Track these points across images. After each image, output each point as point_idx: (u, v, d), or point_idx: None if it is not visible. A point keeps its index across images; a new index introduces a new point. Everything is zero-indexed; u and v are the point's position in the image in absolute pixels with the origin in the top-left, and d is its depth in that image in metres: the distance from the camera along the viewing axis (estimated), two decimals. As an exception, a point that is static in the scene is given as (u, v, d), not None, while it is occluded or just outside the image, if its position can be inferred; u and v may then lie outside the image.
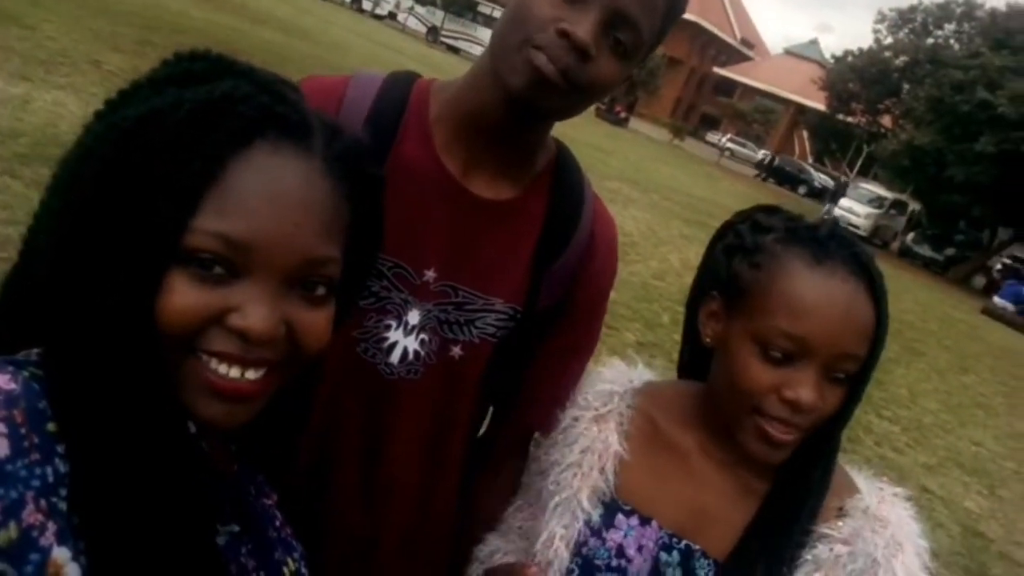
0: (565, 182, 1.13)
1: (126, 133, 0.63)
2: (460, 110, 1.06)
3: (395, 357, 1.08)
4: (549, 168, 1.13)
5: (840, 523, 0.99)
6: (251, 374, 0.66)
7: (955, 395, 8.58)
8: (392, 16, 41.20)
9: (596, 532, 1.06)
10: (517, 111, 0.99)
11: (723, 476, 1.06)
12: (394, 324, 1.07)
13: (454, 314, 1.08)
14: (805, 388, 0.94)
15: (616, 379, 1.17)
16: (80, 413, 0.60)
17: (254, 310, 0.64)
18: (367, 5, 41.48)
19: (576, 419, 1.13)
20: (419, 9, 40.63)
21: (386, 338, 1.07)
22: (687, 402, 1.12)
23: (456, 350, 1.09)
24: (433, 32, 39.61)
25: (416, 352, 1.08)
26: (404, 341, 1.07)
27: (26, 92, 6.02)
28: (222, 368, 0.65)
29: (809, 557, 0.98)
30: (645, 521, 1.05)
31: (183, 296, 0.62)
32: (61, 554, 0.56)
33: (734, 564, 1.00)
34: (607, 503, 1.07)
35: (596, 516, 1.06)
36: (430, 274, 1.06)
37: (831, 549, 0.97)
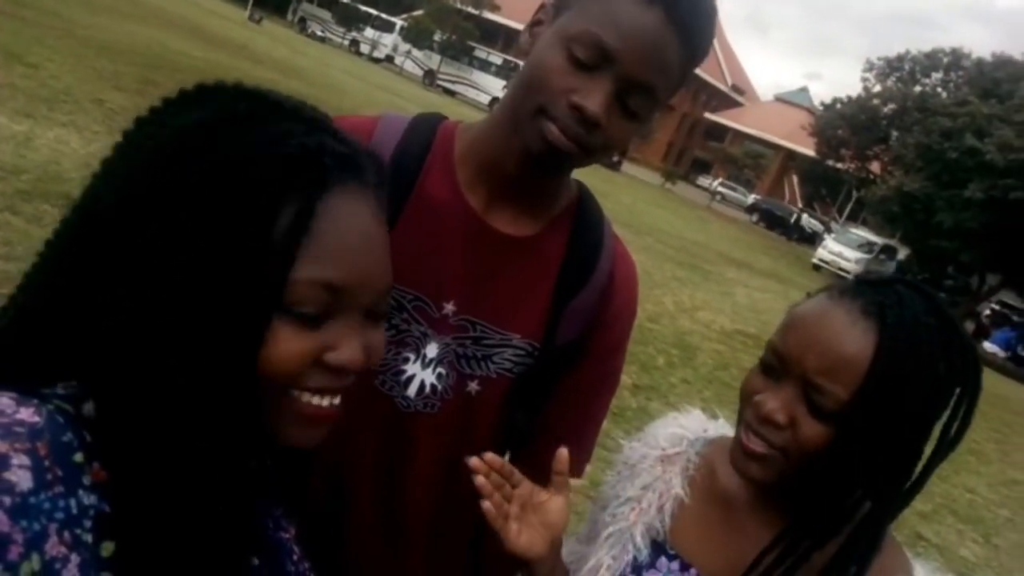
0: (585, 222, 1.15)
1: (196, 188, 0.62)
2: (482, 153, 1.08)
3: (412, 390, 1.09)
4: (570, 208, 1.15)
5: None
6: (337, 400, 0.71)
7: (948, 440, 8.53)
8: (389, 59, 41.64)
9: (637, 570, 1.06)
10: (535, 166, 1.02)
11: (770, 532, 1.01)
12: (412, 357, 1.08)
13: (472, 348, 1.09)
14: None
15: (690, 426, 1.17)
16: (136, 449, 0.61)
17: (349, 347, 0.68)
18: (365, 48, 42.03)
19: (644, 456, 1.13)
20: (416, 53, 41.09)
21: (404, 371, 1.08)
22: None
23: (473, 385, 1.10)
24: (430, 75, 40.09)
25: (433, 386, 1.09)
26: (421, 374, 1.08)
27: (29, 129, 6.07)
28: (315, 400, 0.69)
29: None
30: (685, 567, 1.05)
31: (288, 344, 0.64)
32: None
33: None
34: (657, 543, 1.07)
35: (644, 554, 1.06)
36: (449, 307, 1.07)
37: None
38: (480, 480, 0.98)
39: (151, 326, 0.61)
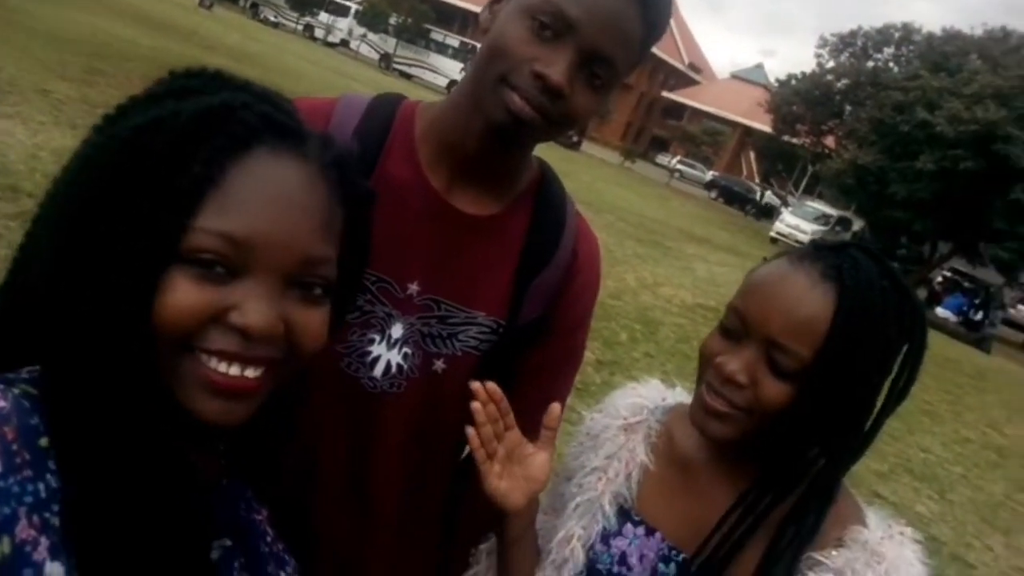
0: (548, 200, 1.15)
1: (127, 141, 0.64)
2: (443, 131, 1.08)
3: (378, 371, 1.09)
4: (532, 186, 1.15)
5: (835, 552, 0.97)
6: (250, 372, 0.66)
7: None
8: (345, 44, 40.96)
9: (604, 538, 1.08)
10: (497, 140, 1.02)
11: (728, 492, 1.04)
12: (377, 338, 1.08)
13: (437, 327, 1.09)
14: None
15: (648, 395, 1.20)
16: (74, 426, 0.61)
17: (254, 307, 0.64)
18: (319, 33, 41.30)
19: (606, 427, 1.15)
20: (372, 36, 40.43)
21: (369, 352, 1.08)
22: None
23: (439, 364, 1.11)
24: (386, 59, 39.55)
25: (399, 366, 1.09)
26: (387, 355, 1.09)
27: (-27, 122, 5.91)
28: (221, 366, 0.65)
29: None
30: (650, 532, 1.07)
31: (183, 295, 0.62)
32: (54, 569, 0.56)
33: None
34: (623, 510, 1.09)
35: (612, 522, 1.08)
36: (413, 287, 1.08)
37: None
38: (476, 406, 1.00)
39: (73, 286, 0.62)
